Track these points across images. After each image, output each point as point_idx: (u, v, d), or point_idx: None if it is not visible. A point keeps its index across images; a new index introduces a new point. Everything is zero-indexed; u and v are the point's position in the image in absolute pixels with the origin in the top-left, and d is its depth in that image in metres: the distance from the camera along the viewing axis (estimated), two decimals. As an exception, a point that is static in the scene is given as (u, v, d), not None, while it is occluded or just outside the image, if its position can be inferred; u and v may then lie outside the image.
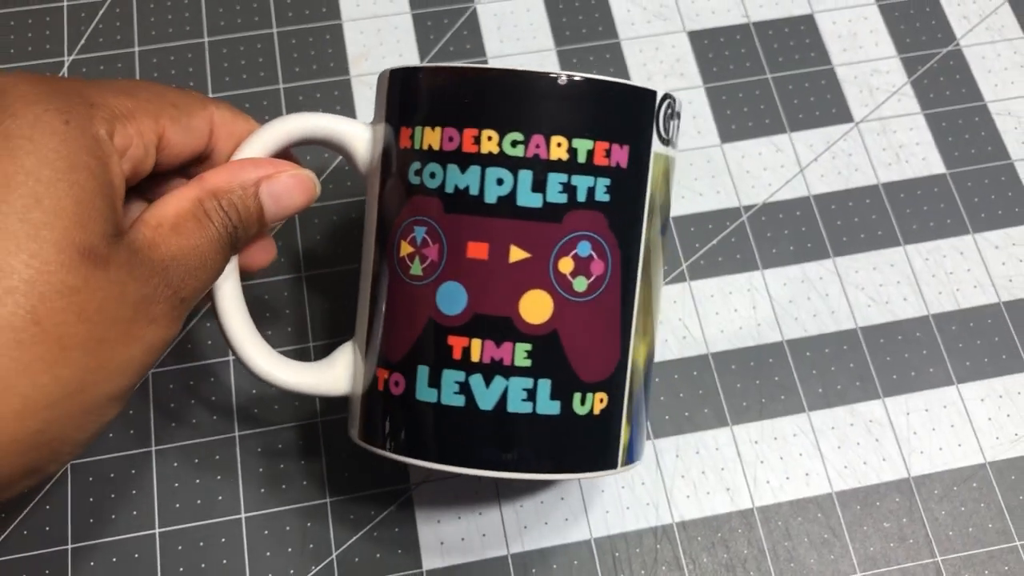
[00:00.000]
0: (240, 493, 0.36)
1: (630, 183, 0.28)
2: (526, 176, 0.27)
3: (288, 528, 0.35)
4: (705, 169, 0.41)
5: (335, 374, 0.30)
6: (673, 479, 0.36)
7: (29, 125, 0.24)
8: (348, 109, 0.42)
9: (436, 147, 0.28)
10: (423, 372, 0.28)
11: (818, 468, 0.36)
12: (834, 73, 0.44)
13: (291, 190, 0.29)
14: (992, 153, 0.42)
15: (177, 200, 0.27)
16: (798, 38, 0.44)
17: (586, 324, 0.28)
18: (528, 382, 0.28)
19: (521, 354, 0.27)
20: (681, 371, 0.38)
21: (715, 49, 0.44)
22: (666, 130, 0.29)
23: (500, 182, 0.27)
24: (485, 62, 0.43)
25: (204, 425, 0.37)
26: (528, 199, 0.27)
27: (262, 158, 0.30)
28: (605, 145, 0.28)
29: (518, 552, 0.35)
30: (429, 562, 0.35)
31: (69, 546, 0.35)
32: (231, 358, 0.38)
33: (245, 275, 0.32)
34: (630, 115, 0.28)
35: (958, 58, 0.44)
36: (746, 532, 0.35)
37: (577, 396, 0.28)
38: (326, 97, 0.42)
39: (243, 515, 0.35)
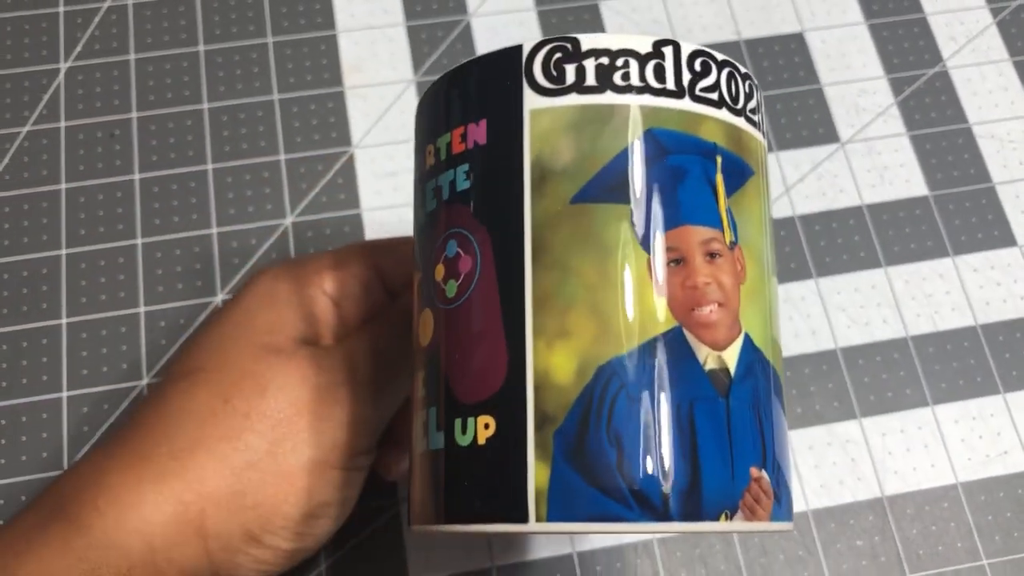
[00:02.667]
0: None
1: (494, 158, 0.24)
2: (420, 192, 0.26)
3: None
4: (693, 187, 0.42)
5: None
6: (654, 495, 0.37)
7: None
8: (342, 120, 0.42)
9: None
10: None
11: (795, 487, 0.38)
12: (822, 92, 0.44)
13: None
14: (974, 176, 0.43)
15: None
16: (787, 56, 0.45)
17: (459, 334, 0.24)
18: (424, 413, 0.25)
19: (419, 383, 0.25)
20: (664, 389, 0.39)
21: (706, 66, 0.44)
22: (552, 78, 0.24)
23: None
24: (478, 76, 0.43)
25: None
26: (418, 217, 0.26)
27: None
28: (460, 130, 0.25)
29: (503, 564, 0.36)
30: (415, 572, 0.36)
31: None
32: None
33: None
34: (485, 87, 0.25)
35: (944, 79, 0.45)
36: (724, 549, 0.37)
37: (458, 423, 0.23)
38: (320, 108, 0.42)
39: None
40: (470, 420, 0.23)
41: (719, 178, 0.24)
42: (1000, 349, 0.40)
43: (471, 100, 0.25)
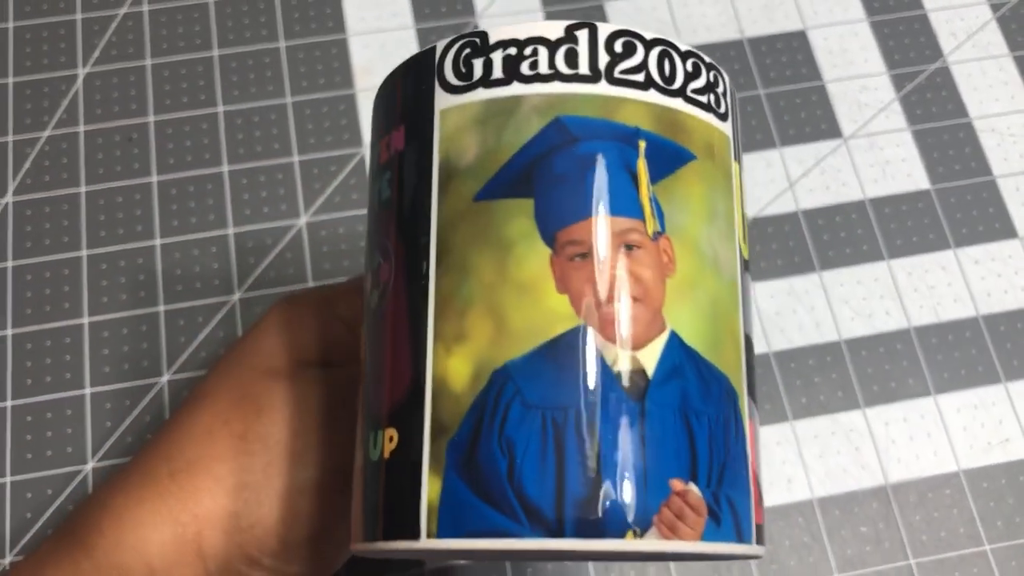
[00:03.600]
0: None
1: (411, 162, 0.23)
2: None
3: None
4: (698, 183, 0.43)
5: None
6: (662, 485, 0.38)
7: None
8: (353, 122, 0.43)
9: None
10: None
11: (800, 475, 0.38)
12: (825, 89, 0.45)
13: None
14: (975, 169, 0.44)
15: None
16: (790, 54, 0.46)
17: (374, 344, 0.23)
18: (358, 429, 0.24)
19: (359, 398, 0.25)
20: (672, 381, 0.40)
21: (709, 64, 0.45)
22: (461, 75, 0.23)
23: None
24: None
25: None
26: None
27: None
28: (385, 139, 0.24)
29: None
30: (432, 563, 0.37)
31: None
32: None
33: None
34: (405, 92, 0.24)
35: (945, 75, 0.46)
36: (731, 536, 0.37)
37: (371, 437, 0.23)
38: (332, 110, 0.43)
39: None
40: (379, 433, 0.22)
41: (641, 164, 0.22)
42: (1001, 339, 0.41)
43: (394, 107, 0.24)
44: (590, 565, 0.37)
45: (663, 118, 0.22)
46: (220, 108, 0.43)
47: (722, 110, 0.24)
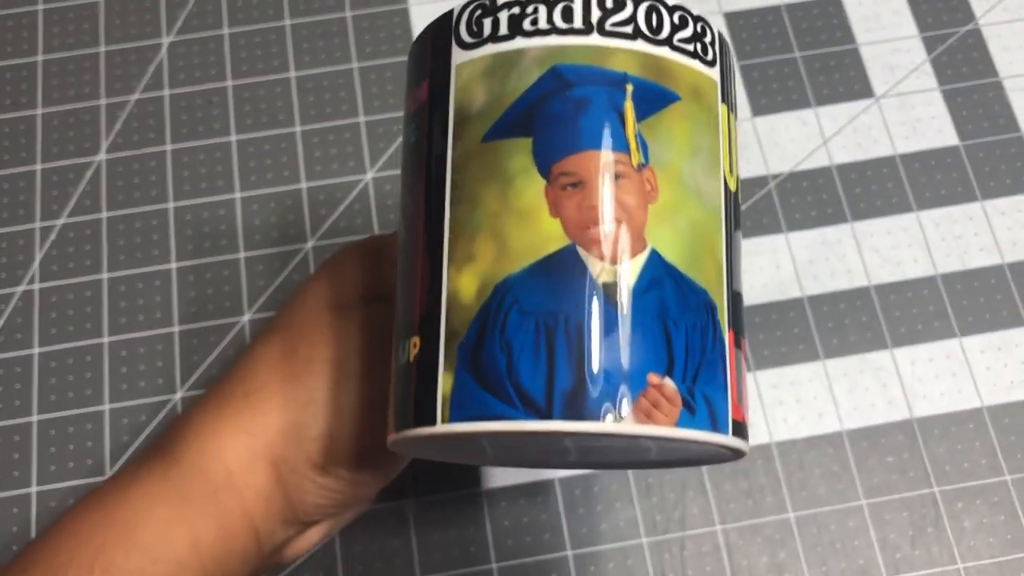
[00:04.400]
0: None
1: (432, 111, 0.27)
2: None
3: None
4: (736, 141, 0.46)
5: None
6: (701, 417, 0.41)
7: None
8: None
9: None
10: None
11: (830, 409, 0.41)
12: (858, 52, 0.47)
13: None
14: (1004, 126, 0.46)
15: None
16: (825, 19, 0.48)
17: (403, 267, 0.27)
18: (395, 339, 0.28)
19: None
20: (710, 323, 0.43)
21: (749, 29, 0.48)
22: (473, 33, 0.26)
23: None
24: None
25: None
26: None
27: None
28: (413, 92, 0.27)
29: (564, 477, 0.40)
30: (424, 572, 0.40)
31: None
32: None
33: None
34: (428, 51, 0.27)
35: (976, 37, 0.48)
36: (764, 464, 0.40)
37: (402, 344, 0.26)
38: (395, 75, 0.47)
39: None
40: (407, 341, 0.26)
41: (627, 104, 0.25)
42: (1025, 285, 0.43)
43: (420, 64, 0.27)
44: (631, 482, 0.40)
45: (649, 64, 0.25)
46: (292, 73, 0.47)
47: (709, 57, 0.26)
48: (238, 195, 0.45)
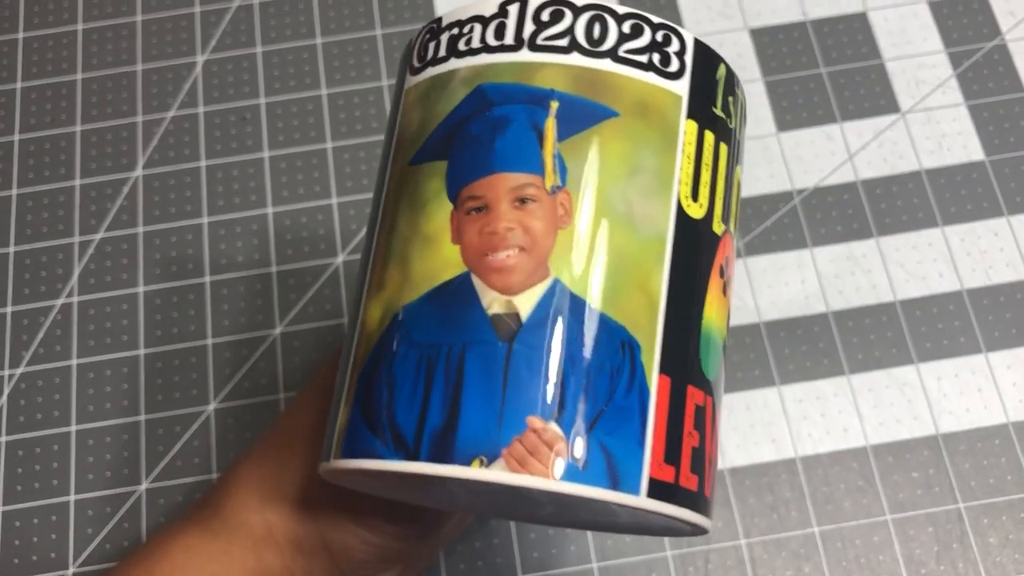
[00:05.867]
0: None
1: (385, 137, 0.27)
2: None
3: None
4: (762, 156, 0.46)
5: None
6: (725, 431, 0.42)
7: None
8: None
9: None
10: None
11: (855, 424, 0.41)
12: (883, 67, 0.48)
13: None
14: (1030, 141, 0.46)
15: None
16: (851, 34, 0.48)
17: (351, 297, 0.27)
18: None
19: None
20: (736, 337, 0.43)
21: (774, 45, 0.48)
22: (420, 58, 0.26)
23: None
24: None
25: (323, 377, 0.43)
26: None
27: None
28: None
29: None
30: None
31: None
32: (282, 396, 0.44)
33: None
34: (397, 79, 0.27)
35: (1002, 52, 0.48)
36: (789, 478, 0.41)
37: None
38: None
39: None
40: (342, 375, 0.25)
41: (549, 123, 0.23)
42: (1052, 301, 0.43)
43: (394, 91, 0.27)
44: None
45: (583, 78, 0.23)
46: (324, 91, 0.48)
47: (671, 69, 0.24)
48: (270, 210, 0.46)
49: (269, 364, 0.43)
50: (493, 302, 0.22)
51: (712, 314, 0.24)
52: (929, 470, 0.41)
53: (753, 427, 0.42)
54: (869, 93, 0.47)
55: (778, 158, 0.46)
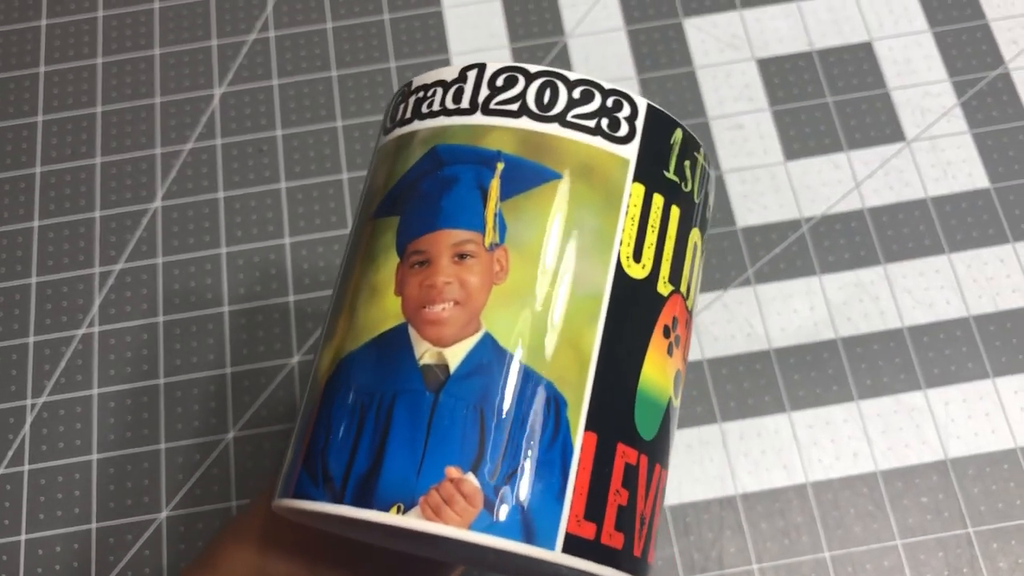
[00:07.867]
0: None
1: (361, 194, 0.28)
2: None
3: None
4: (770, 184, 0.47)
5: None
6: (737, 457, 0.42)
7: None
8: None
9: None
10: None
11: (865, 450, 0.42)
12: (889, 96, 0.48)
13: None
14: (1034, 169, 0.47)
15: None
16: (857, 64, 0.49)
17: None
18: None
19: None
20: (746, 364, 0.44)
21: (781, 75, 0.49)
22: (391, 119, 0.28)
23: None
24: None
25: (340, 405, 0.44)
26: None
27: None
28: None
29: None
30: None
31: None
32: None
33: None
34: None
35: (1005, 81, 0.49)
36: (800, 503, 0.41)
37: None
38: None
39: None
40: None
41: (494, 183, 0.24)
42: (1058, 327, 0.44)
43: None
44: (669, 519, 0.41)
45: (529, 141, 0.24)
46: (339, 123, 0.49)
47: (620, 133, 0.25)
48: (287, 240, 0.47)
49: (286, 392, 0.44)
50: (425, 353, 0.23)
51: (653, 374, 0.24)
52: (939, 495, 0.41)
53: (764, 453, 0.42)
54: (875, 122, 0.48)
55: (786, 186, 0.47)
